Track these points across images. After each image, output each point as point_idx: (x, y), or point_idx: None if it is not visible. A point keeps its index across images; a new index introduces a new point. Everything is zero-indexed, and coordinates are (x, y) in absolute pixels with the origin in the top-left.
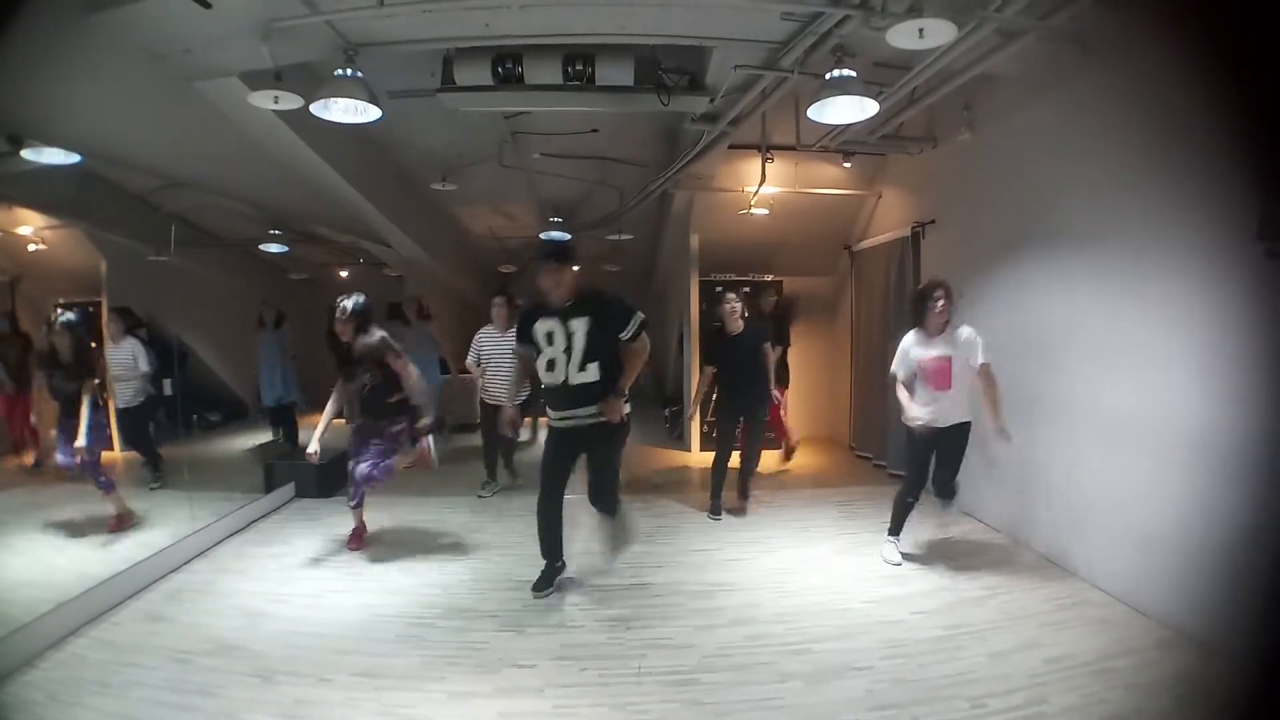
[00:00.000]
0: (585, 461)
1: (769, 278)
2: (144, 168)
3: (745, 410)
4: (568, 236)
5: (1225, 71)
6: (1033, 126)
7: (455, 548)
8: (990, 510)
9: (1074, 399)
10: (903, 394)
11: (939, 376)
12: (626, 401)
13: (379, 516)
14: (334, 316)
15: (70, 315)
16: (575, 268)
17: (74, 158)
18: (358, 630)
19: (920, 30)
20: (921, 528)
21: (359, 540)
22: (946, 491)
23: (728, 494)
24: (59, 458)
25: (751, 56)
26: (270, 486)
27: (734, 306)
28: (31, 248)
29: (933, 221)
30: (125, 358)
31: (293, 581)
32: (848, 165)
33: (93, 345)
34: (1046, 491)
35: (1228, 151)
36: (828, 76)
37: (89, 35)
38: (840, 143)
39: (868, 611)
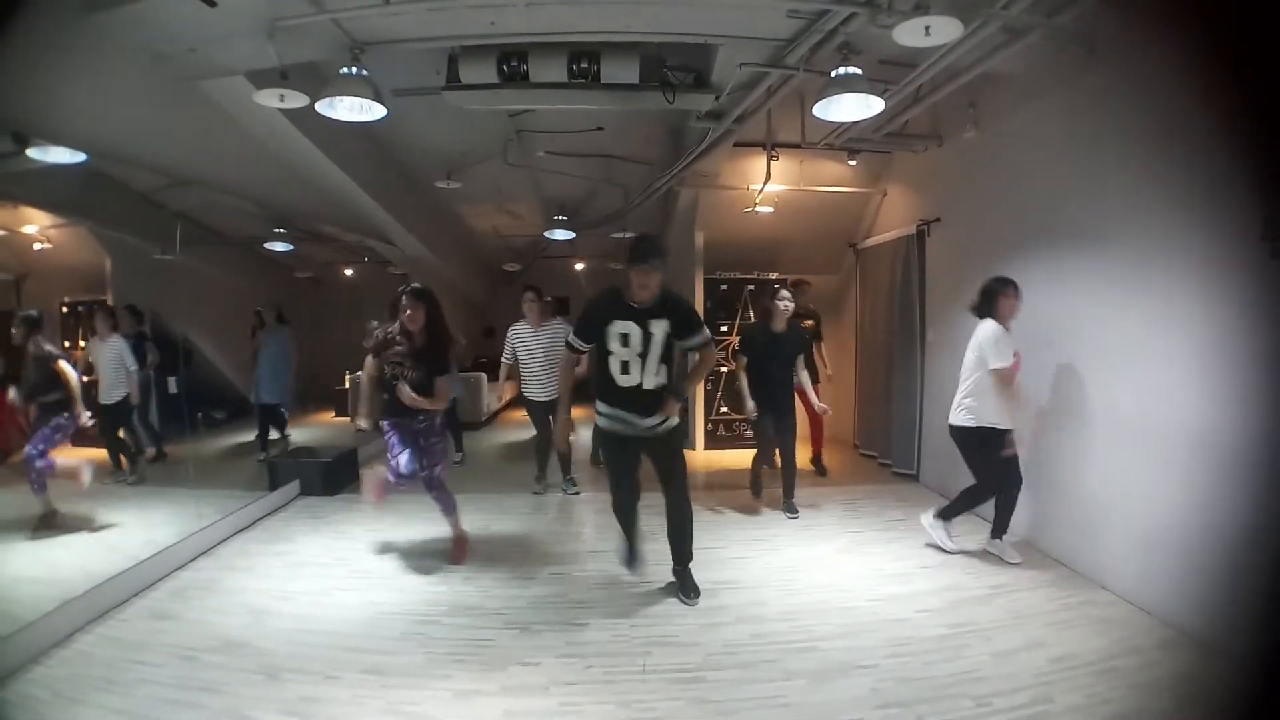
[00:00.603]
0: (655, 468)
1: (775, 275)
2: (149, 166)
3: (776, 409)
4: (573, 234)
5: (1229, 71)
6: (1038, 125)
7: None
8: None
9: (1079, 398)
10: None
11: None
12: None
13: (382, 515)
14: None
15: (31, 313)
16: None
17: (79, 156)
18: (363, 628)
19: (926, 28)
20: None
21: (464, 550)
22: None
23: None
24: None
25: (757, 54)
26: (275, 484)
27: (787, 305)
28: (37, 246)
29: (938, 219)
30: (112, 356)
31: (298, 579)
32: (853, 163)
33: (49, 347)
34: (1051, 491)
35: (1232, 151)
36: (833, 74)
37: (93, 34)
38: (845, 140)
39: (873, 610)
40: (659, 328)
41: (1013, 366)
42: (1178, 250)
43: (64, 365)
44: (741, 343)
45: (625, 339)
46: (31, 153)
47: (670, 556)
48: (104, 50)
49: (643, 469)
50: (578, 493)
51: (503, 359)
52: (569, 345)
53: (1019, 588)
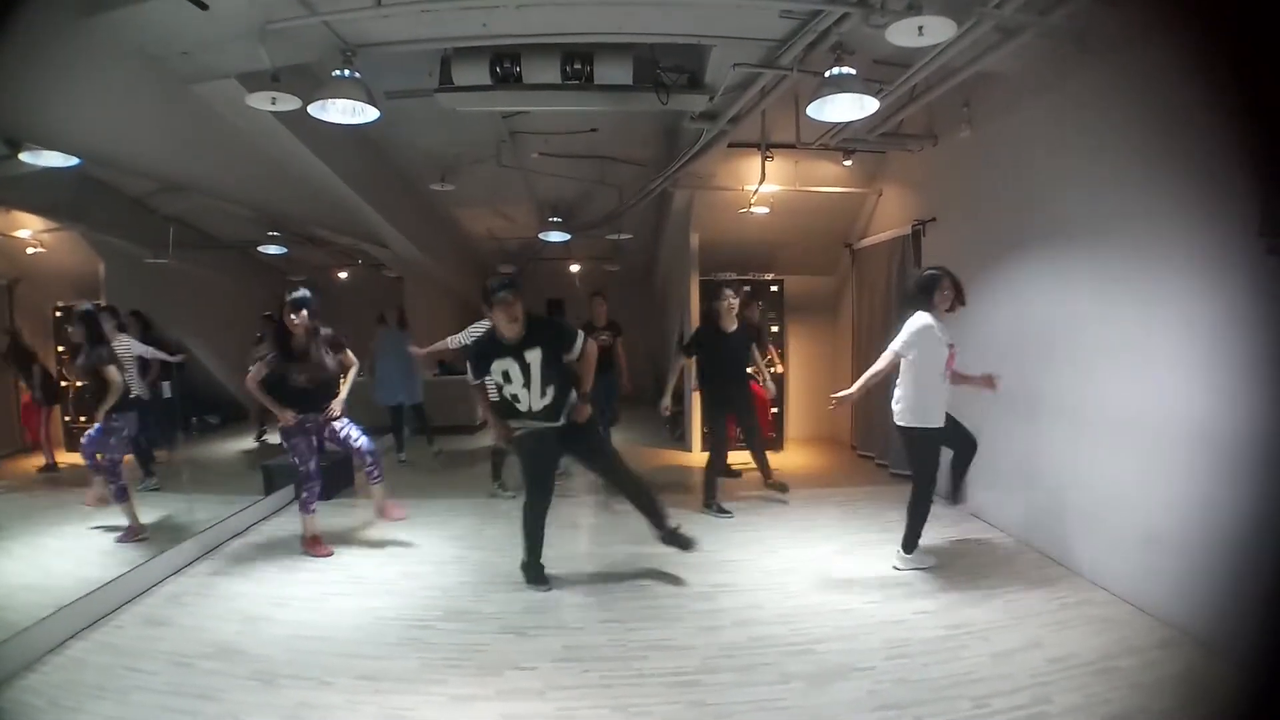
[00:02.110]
0: (583, 463)
1: (769, 276)
2: (142, 170)
3: (735, 406)
4: (567, 236)
5: (1224, 67)
6: (1032, 123)
7: (456, 550)
8: (992, 510)
9: (1075, 397)
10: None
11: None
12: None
13: (377, 521)
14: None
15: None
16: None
17: (72, 161)
18: (359, 633)
19: (919, 28)
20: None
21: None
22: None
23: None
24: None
25: (750, 54)
26: (270, 489)
27: (732, 304)
28: (30, 250)
29: (933, 219)
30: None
31: (293, 584)
32: (848, 163)
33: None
34: (1048, 490)
35: (1227, 148)
36: (827, 74)
37: (86, 38)
38: (840, 140)
39: (870, 612)
40: (534, 357)
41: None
42: (1174, 247)
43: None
44: (690, 346)
45: (507, 375)
46: (24, 157)
47: (651, 538)
48: (97, 54)
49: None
50: (512, 496)
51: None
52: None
53: (1016, 588)
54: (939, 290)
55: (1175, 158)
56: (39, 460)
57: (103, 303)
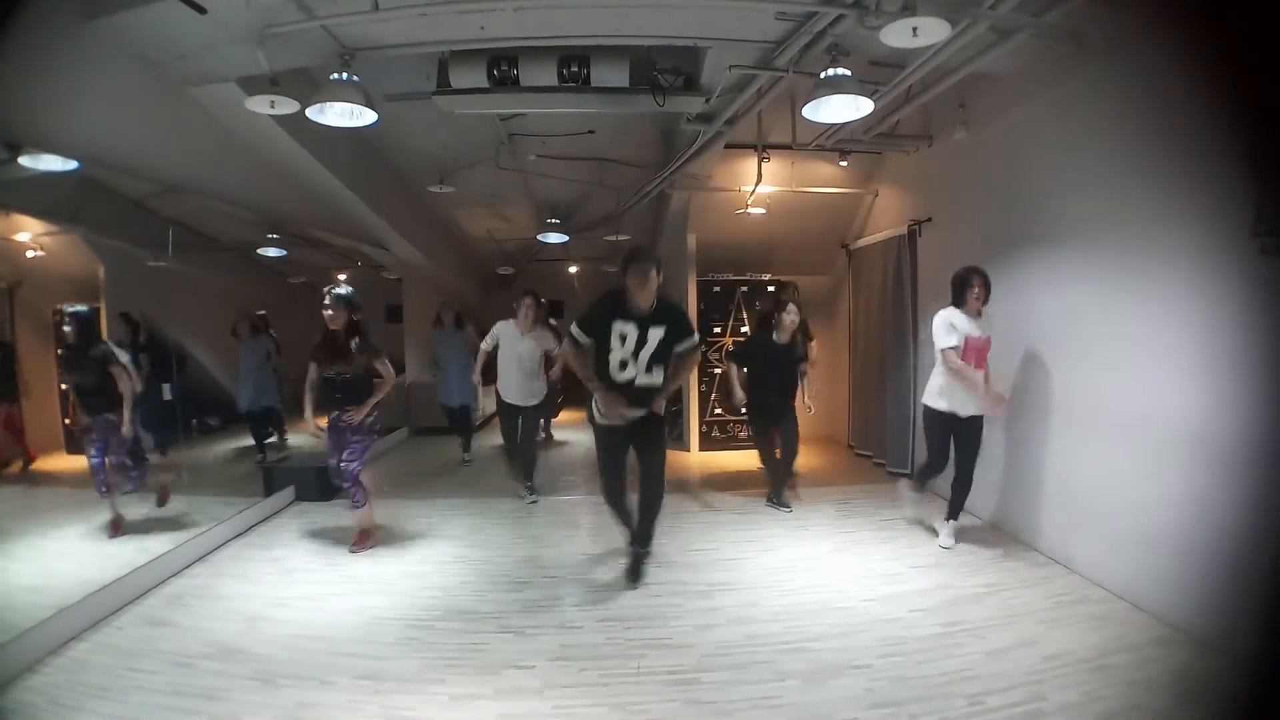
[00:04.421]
0: (636, 453)
1: (768, 276)
2: (141, 173)
3: (780, 415)
4: (565, 237)
5: (1219, 67)
6: (1028, 124)
7: (455, 550)
8: (988, 507)
9: (1071, 395)
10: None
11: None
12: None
13: (377, 520)
14: (323, 305)
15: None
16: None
17: (71, 164)
18: (358, 633)
19: (914, 29)
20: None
21: (366, 540)
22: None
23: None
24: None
25: (746, 56)
26: (270, 490)
27: (794, 319)
28: (30, 254)
29: (929, 219)
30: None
31: (293, 585)
32: (844, 164)
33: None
34: (1044, 488)
35: (1222, 147)
36: (822, 75)
37: (85, 42)
38: (836, 141)
39: (866, 610)
40: (655, 333)
41: (960, 350)
42: (1170, 247)
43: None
44: (740, 355)
45: (624, 339)
46: (23, 160)
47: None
48: (96, 58)
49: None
50: (535, 501)
51: (482, 346)
52: (571, 337)
53: (1012, 586)
54: (969, 289)
55: (1170, 157)
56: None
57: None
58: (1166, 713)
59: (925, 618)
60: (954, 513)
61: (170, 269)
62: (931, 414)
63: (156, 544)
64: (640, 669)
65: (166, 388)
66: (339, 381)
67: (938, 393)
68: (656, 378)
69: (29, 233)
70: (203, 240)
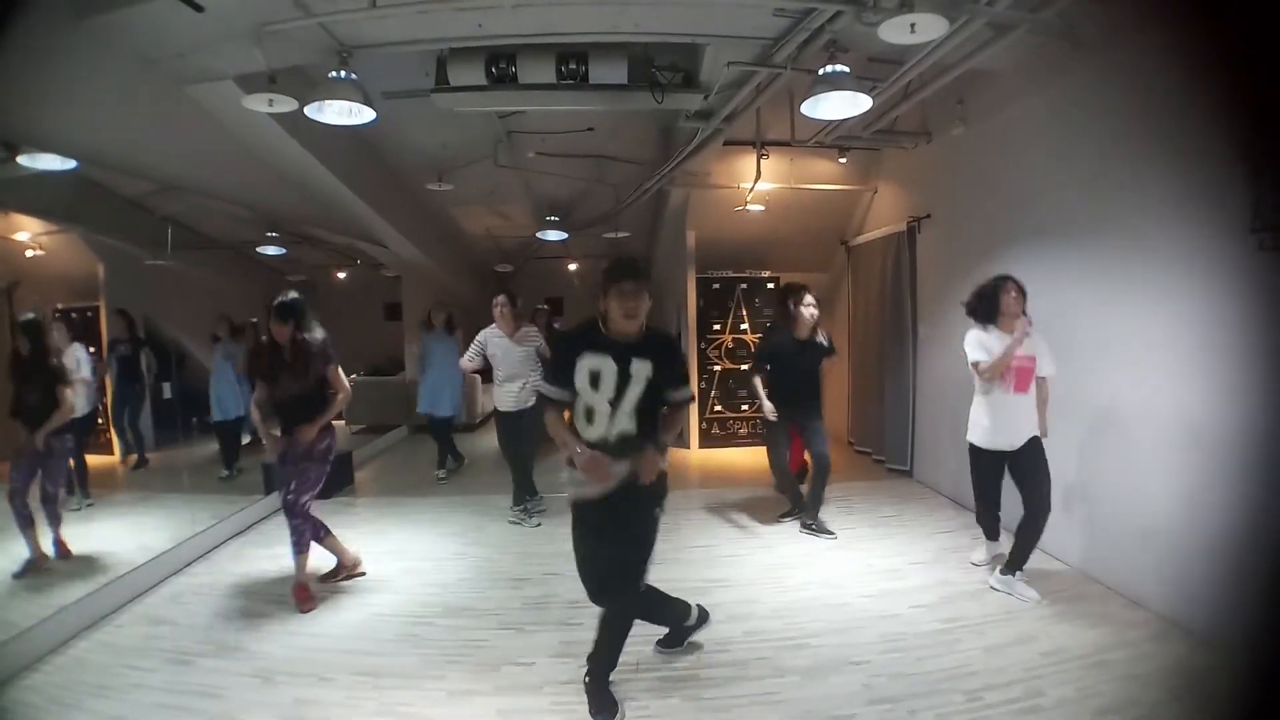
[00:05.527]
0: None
1: (768, 273)
2: (139, 172)
3: (801, 416)
4: (564, 235)
5: (1215, 62)
6: (1026, 120)
7: (454, 547)
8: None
9: (1069, 392)
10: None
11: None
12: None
13: (376, 519)
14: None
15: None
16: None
17: (70, 163)
18: (357, 630)
19: (912, 25)
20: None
21: (308, 596)
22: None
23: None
24: None
25: (744, 53)
26: (269, 489)
27: (814, 312)
28: (29, 253)
29: (928, 216)
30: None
31: (293, 583)
32: (843, 160)
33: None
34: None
35: (1220, 143)
36: (821, 72)
37: (82, 40)
38: (835, 138)
39: (865, 606)
40: (641, 369)
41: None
42: (1168, 243)
43: None
44: (763, 355)
45: (595, 380)
46: (21, 160)
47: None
48: (93, 56)
49: None
50: (539, 525)
51: (462, 361)
52: (544, 397)
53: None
54: (1005, 295)
55: (1167, 154)
56: None
57: (60, 307)
58: (1163, 708)
59: (924, 614)
60: (1016, 563)
61: (169, 267)
62: (975, 452)
63: (156, 542)
64: (639, 665)
65: (167, 386)
66: (288, 400)
67: (979, 426)
68: (639, 428)
69: (28, 232)
70: (201, 239)
